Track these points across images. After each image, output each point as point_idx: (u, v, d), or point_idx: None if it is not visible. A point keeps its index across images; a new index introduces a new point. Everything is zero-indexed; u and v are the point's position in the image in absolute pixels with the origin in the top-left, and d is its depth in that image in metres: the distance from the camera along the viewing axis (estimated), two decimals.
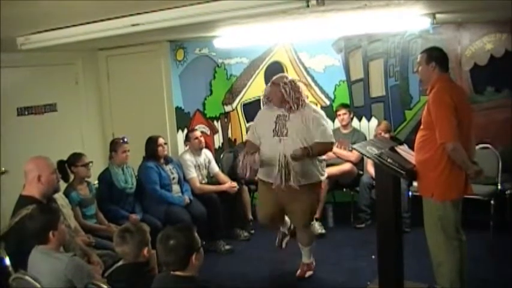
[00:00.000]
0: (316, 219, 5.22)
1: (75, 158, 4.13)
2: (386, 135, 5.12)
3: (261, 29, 4.59)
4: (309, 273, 4.27)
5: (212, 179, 5.31)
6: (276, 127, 3.96)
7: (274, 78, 4.09)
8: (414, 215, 4.84)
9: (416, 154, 3.44)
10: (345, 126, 5.59)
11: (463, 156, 3.20)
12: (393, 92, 5.80)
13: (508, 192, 4.84)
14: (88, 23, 2.98)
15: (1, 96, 4.42)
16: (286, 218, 4.31)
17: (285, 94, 3.90)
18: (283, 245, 4.47)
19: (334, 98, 6.04)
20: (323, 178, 4.11)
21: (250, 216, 5.48)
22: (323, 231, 5.19)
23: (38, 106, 4.91)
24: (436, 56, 3.37)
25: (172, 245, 2.33)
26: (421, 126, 3.43)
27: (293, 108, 3.91)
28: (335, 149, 5.52)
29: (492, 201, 4.73)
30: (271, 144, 3.95)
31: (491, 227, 4.75)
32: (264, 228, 4.46)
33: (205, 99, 6.00)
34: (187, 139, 5.27)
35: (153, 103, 5.52)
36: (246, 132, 5.79)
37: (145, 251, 2.73)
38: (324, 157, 4.19)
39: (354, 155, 5.32)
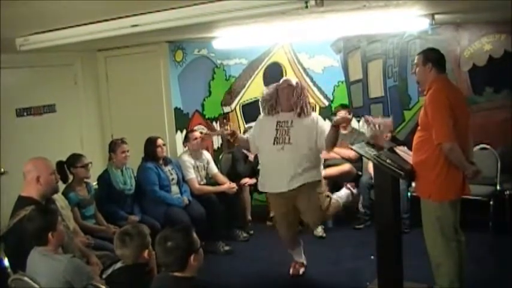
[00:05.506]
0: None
1: (75, 159, 4.13)
2: (389, 134, 5.13)
3: (260, 30, 4.59)
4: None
5: (211, 180, 5.31)
6: (277, 134, 3.93)
7: (285, 80, 4.08)
8: (413, 216, 4.84)
9: (413, 155, 3.45)
10: (344, 127, 5.59)
11: (460, 156, 3.20)
12: (392, 92, 5.81)
13: (507, 192, 4.85)
14: (87, 23, 2.98)
15: (0, 97, 4.42)
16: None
17: (297, 96, 3.92)
18: (301, 272, 4.33)
19: (333, 98, 6.04)
20: (320, 178, 4.08)
21: (249, 217, 5.49)
22: (324, 234, 5.19)
23: (37, 107, 4.90)
24: (433, 57, 3.38)
25: (171, 247, 2.33)
26: (418, 127, 3.44)
27: (304, 113, 3.92)
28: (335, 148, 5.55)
29: (491, 202, 4.73)
30: (271, 154, 3.94)
31: (490, 228, 4.76)
32: (285, 246, 4.32)
33: (204, 100, 6.00)
34: (186, 140, 5.27)
35: (152, 104, 5.51)
36: (244, 134, 5.78)
37: (145, 253, 2.73)
38: (323, 156, 4.22)
39: (352, 152, 5.30)
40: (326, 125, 3.94)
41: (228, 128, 4.17)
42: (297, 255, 4.35)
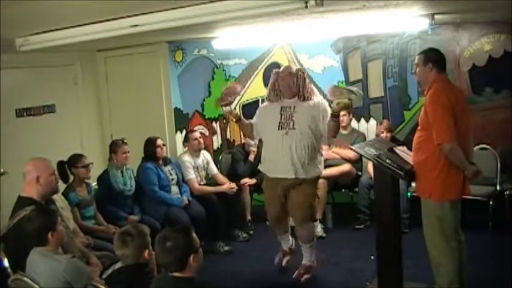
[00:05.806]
0: (320, 221, 5.22)
1: (76, 159, 4.13)
2: (388, 135, 5.14)
3: (260, 30, 4.59)
4: (305, 276, 4.20)
5: (211, 180, 5.31)
6: (281, 119, 3.95)
7: (285, 69, 4.09)
8: (413, 216, 4.84)
9: (414, 155, 3.45)
10: (344, 127, 5.58)
11: (461, 156, 3.20)
12: (392, 92, 5.81)
13: (506, 192, 4.85)
14: (87, 24, 2.98)
15: (0, 97, 4.41)
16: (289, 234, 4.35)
17: (301, 84, 3.93)
18: (284, 263, 4.39)
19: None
20: (321, 173, 4.14)
21: (249, 217, 5.49)
22: (324, 234, 5.18)
23: (37, 107, 4.90)
24: (433, 57, 3.38)
25: (170, 247, 2.33)
26: (418, 127, 3.44)
27: (305, 98, 3.94)
28: (334, 148, 5.55)
29: (491, 202, 4.73)
30: (276, 139, 3.94)
31: (490, 228, 4.76)
32: (272, 229, 4.36)
33: (204, 100, 6.01)
34: (186, 140, 5.27)
35: (152, 104, 5.52)
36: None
37: (145, 253, 2.73)
38: (323, 156, 4.22)
39: (352, 152, 5.31)
40: (330, 110, 3.91)
41: (231, 112, 4.20)
42: (285, 243, 4.37)
